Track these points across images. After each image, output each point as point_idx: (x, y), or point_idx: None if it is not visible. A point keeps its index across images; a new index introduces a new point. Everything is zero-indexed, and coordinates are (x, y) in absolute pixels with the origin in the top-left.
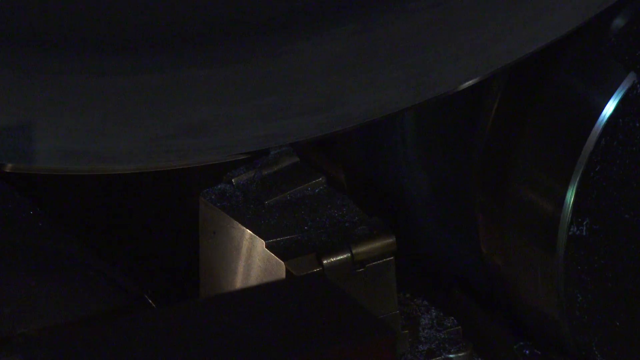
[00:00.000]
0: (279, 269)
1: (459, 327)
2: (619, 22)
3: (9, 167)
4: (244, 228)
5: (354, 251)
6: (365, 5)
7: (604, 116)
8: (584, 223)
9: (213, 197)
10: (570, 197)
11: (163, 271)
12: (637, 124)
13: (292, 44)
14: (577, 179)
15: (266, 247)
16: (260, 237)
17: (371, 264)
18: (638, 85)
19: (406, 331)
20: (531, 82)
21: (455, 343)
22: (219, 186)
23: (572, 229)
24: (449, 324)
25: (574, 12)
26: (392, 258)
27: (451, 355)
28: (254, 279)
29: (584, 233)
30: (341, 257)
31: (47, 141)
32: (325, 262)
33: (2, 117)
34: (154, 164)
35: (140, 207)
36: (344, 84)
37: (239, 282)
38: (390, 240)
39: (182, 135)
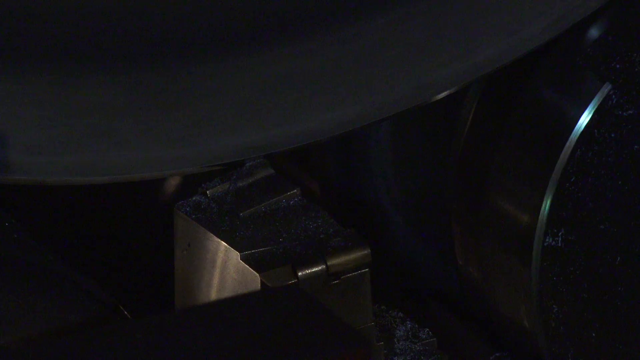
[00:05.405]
0: (254, 280)
1: (435, 338)
2: (594, 33)
3: None
4: (219, 240)
5: (329, 263)
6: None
7: (580, 127)
8: (559, 234)
9: (188, 209)
10: (545, 207)
11: (138, 283)
12: (613, 135)
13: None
14: (553, 189)
15: (241, 259)
16: (235, 249)
17: (346, 276)
18: (613, 97)
19: (381, 343)
20: (507, 93)
21: (430, 355)
22: (194, 198)
23: (547, 240)
24: (424, 336)
25: (549, 23)
26: (367, 270)
27: None
28: (229, 291)
29: (560, 244)
30: (316, 268)
31: (22, 152)
32: (300, 273)
33: None
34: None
35: (115, 219)
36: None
37: (214, 294)
38: (366, 252)
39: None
